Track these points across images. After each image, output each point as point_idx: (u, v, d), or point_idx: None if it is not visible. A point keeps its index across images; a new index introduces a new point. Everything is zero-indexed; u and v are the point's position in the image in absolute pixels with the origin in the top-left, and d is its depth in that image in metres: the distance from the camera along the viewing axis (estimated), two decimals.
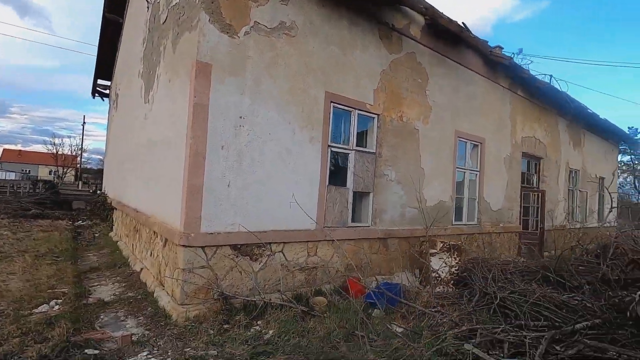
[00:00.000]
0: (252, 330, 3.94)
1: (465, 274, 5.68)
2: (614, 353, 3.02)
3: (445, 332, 3.67)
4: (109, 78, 14.02)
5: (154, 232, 5.50)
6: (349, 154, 5.76)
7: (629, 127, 34.25)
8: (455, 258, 5.72)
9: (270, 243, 4.80)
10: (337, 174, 5.71)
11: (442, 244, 5.89)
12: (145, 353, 3.39)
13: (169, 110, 5.21)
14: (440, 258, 5.74)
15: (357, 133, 5.86)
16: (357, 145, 5.84)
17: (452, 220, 7.42)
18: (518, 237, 9.34)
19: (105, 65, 13.13)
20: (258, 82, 4.68)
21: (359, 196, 6.02)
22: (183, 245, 4.18)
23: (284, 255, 4.96)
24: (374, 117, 6.06)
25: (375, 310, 4.53)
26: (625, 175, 36.51)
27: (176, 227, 4.42)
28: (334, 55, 5.49)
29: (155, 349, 3.51)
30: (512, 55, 8.80)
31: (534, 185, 10.32)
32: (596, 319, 3.87)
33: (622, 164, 32.73)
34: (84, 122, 41.20)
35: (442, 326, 3.92)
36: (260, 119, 4.70)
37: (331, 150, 5.51)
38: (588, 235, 9.38)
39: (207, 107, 4.25)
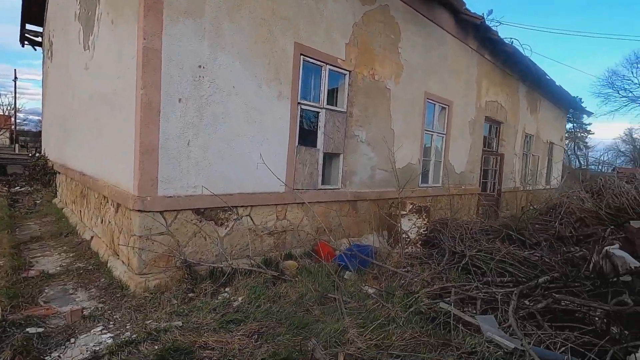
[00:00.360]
0: (219, 297, 3.71)
1: (432, 234, 5.79)
2: (577, 305, 3.17)
3: (418, 291, 3.68)
4: (41, 23, 12.15)
5: (104, 197, 4.96)
6: (319, 112, 5.43)
7: (574, 97, 36.58)
8: (424, 219, 5.77)
9: (236, 206, 4.49)
10: (306, 134, 5.39)
11: (411, 206, 5.90)
12: (99, 328, 3.06)
13: (115, 57, 4.52)
14: (409, 219, 5.76)
15: (328, 90, 5.52)
16: (327, 104, 5.51)
17: (418, 183, 7.48)
18: (477, 198, 9.73)
19: (35, 6, 11.27)
20: (219, 27, 4.12)
21: (329, 157, 5.79)
22: (138, 210, 3.75)
23: (251, 219, 4.69)
24: (345, 74, 5.70)
25: (347, 272, 4.47)
26: (567, 142, 39.60)
27: (129, 191, 3.95)
28: (304, 3, 4.98)
29: (111, 322, 3.18)
30: (483, 15, 8.63)
31: (494, 149, 10.67)
32: (555, 273, 4.08)
33: (565, 131, 35.29)
34: (16, 77, 36.11)
35: (414, 285, 3.94)
36: (223, 70, 4.19)
37: (301, 108, 5.15)
38: (538, 197, 10.01)
39: (159, 51, 3.68)
